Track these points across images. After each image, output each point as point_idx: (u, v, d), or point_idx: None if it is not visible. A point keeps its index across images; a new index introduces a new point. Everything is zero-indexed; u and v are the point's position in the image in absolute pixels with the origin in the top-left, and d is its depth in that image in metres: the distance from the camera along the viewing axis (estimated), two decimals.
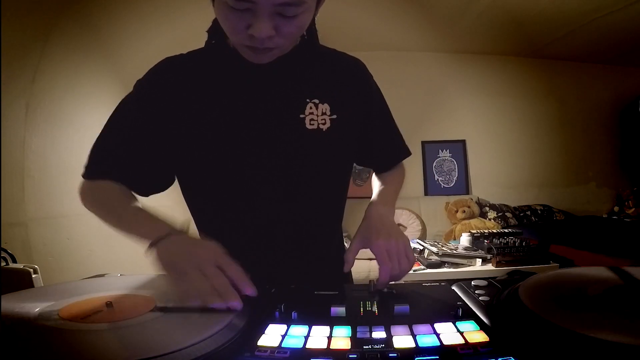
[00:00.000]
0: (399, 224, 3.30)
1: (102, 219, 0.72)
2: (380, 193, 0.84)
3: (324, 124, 0.75)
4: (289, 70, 0.76)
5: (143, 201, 0.76)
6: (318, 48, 0.81)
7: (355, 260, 0.76)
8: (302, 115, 0.74)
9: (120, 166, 0.74)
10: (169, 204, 0.93)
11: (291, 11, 0.61)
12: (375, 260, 0.73)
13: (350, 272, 0.91)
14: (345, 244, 0.94)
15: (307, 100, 0.75)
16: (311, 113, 0.75)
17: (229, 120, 0.73)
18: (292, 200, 0.76)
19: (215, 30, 0.76)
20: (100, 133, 0.75)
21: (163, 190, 0.80)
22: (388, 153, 0.91)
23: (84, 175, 0.76)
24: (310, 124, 0.75)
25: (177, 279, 0.56)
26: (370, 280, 0.67)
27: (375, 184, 0.89)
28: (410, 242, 0.92)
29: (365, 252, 0.75)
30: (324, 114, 0.75)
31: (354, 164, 0.89)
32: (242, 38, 0.64)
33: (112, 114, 0.76)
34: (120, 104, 0.76)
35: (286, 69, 0.75)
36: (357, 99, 0.81)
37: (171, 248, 0.60)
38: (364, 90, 0.83)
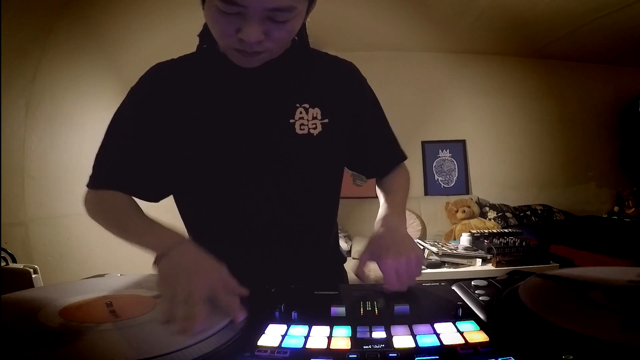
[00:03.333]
0: None
1: (108, 229, 0.72)
2: (389, 203, 0.80)
3: (314, 128, 0.75)
4: (279, 75, 0.76)
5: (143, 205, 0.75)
6: (309, 52, 0.80)
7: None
8: (291, 120, 0.74)
9: (126, 175, 0.73)
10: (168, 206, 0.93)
11: (282, 16, 0.60)
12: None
13: (345, 272, 0.91)
14: (345, 243, 0.94)
15: (297, 105, 0.75)
16: (301, 118, 0.74)
17: (219, 126, 0.73)
18: (284, 204, 0.76)
19: (206, 34, 0.75)
20: (102, 142, 0.75)
21: (171, 194, 0.80)
22: (383, 157, 0.89)
23: (89, 185, 0.75)
24: (300, 129, 0.74)
25: (172, 297, 0.52)
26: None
27: (382, 193, 0.85)
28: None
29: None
30: (314, 118, 0.75)
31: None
32: (232, 42, 0.64)
33: (110, 123, 0.75)
34: (116, 112, 0.76)
35: (276, 73, 0.75)
36: (349, 103, 0.80)
37: (176, 261, 0.59)
38: (356, 94, 0.82)
